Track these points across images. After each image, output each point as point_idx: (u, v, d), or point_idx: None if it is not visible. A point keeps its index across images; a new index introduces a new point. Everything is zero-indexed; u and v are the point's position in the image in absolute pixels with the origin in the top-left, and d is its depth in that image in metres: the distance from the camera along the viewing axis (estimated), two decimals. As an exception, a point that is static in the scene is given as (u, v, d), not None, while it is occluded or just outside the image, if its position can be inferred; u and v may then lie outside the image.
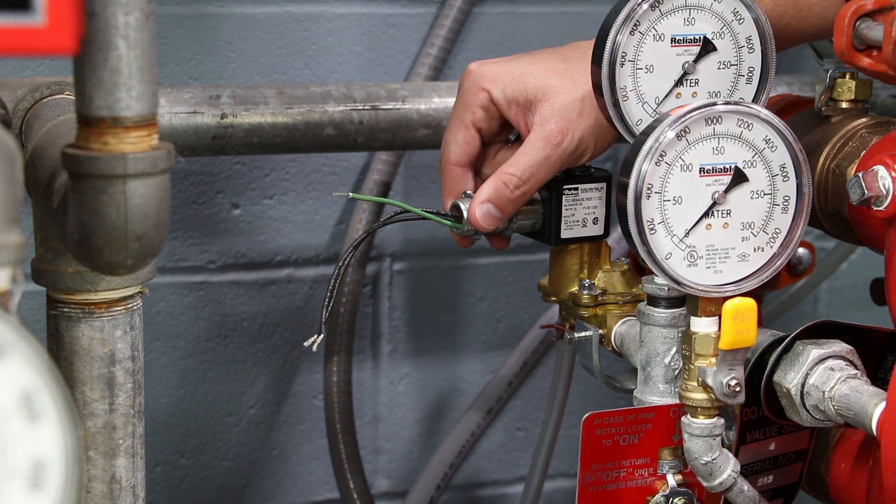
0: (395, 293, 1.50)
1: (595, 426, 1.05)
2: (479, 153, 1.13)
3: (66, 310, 1.01)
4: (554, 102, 1.09)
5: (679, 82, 1.03)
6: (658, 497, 1.08)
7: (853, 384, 0.99)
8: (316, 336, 1.04)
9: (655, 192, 0.97)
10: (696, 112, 0.96)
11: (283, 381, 1.48)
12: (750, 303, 0.96)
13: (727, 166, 0.98)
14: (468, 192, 1.13)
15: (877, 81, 1.07)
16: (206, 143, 1.23)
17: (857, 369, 1.01)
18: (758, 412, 1.08)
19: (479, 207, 1.10)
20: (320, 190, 1.45)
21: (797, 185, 0.99)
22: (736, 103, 0.98)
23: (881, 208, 0.97)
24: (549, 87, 1.10)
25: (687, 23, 1.02)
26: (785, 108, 1.16)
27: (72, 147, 0.85)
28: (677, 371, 1.05)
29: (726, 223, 0.99)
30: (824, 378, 1.00)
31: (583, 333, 1.14)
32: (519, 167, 1.09)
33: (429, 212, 1.11)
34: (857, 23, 1.00)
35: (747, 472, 1.10)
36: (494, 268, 1.54)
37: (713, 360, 1.00)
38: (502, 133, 1.14)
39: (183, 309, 1.42)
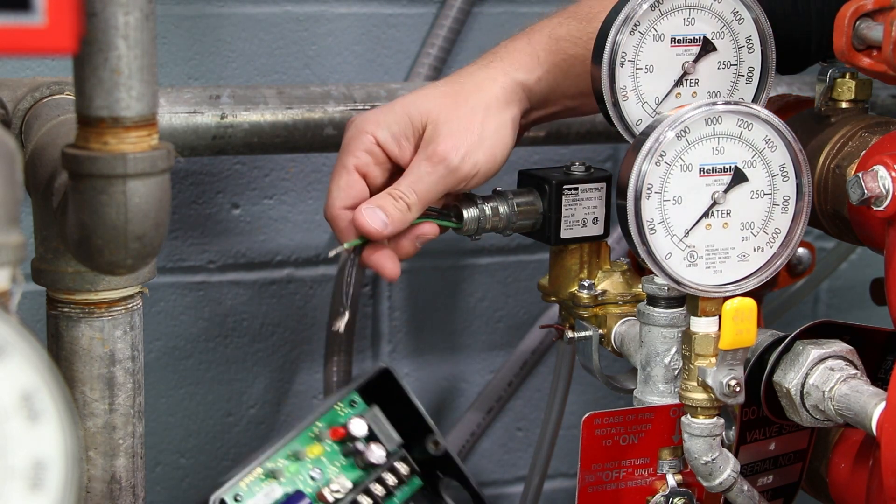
0: (395, 293, 1.50)
1: (595, 426, 1.05)
2: (364, 197, 1.09)
3: (66, 310, 1.01)
4: (437, 124, 1.08)
5: (679, 82, 1.03)
6: (658, 497, 1.08)
7: (853, 384, 0.99)
8: (340, 317, 1.02)
9: (655, 192, 0.97)
10: (696, 112, 0.96)
11: (283, 381, 1.48)
12: (750, 303, 0.96)
13: (727, 166, 0.98)
14: (468, 192, 1.13)
15: (877, 81, 1.07)
16: (206, 143, 1.23)
17: (857, 369, 1.01)
18: (758, 412, 1.08)
19: (366, 209, 1.06)
20: (320, 190, 1.45)
21: (797, 185, 0.99)
22: (736, 103, 0.98)
23: (881, 208, 0.97)
24: (430, 111, 1.08)
25: (687, 23, 1.02)
26: (785, 108, 1.16)
27: (72, 147, 0.85)
28: (677, 371, 1.05)
29: (726, 223, 0.99)
30: (824, 378, 1.00)
31: (583, 333, 1.14)
32: (403, 183, 1.07)
33: (429, 212, 1.11)
34: (857, 23, 1.00)
35: (747, 472, 1.10)
36: (494, 268, 1.54)
37: (713, 360, 1.00)
38: (391, 180, 1.10)
39: (183, 309, 1.42)
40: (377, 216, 1.06)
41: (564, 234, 1.14)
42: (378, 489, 0.98)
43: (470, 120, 1.08)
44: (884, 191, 0.97)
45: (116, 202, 0.84)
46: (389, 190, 1.07)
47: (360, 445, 0.99)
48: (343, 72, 1.43)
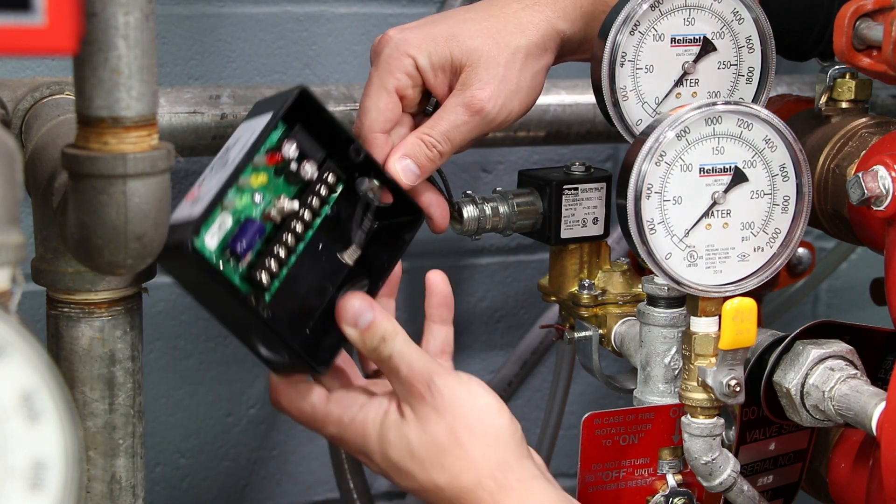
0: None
1: (595, 426, 1.05)
2: (402, 121, 1.08)
3: (66, 310, 1.01)
4: (477, 68, 1.06)
5: (679, 82, 1.03)
6: (658, 497, 1.08)
7: (853, 384, 0.99)
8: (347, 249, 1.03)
9: (655, 192, 0.97)
10: (696, 112, 0.97)
11: (283, 381, 1.48)
12: (750, 303, 0.96)
13: (727, 166, 0.98)
14: (468, 192, 1.13)
15: (877, 81, 1.07)
16: (206, 143, 1.23)
17: (857, 369, 1.01)
18: (758, 412, 1.08)
19: (400, 161, 1.05)
20: (320, 190, 1.45)
21: (797, 185, 1.00)
22: (736, 103, 0.98)
23: (881, 208, 0.97)
24: (472, 51, 1.06)
25: (687, 23, 1.02)
26: (785, 108, 1.16)
27: (72, 147, 0.85)
28: (677, 371, 1.05)
29: (726, 223, 0.99)
30: (824, 378, 1.00)
31: (583, 333, 1.14)
32: (436, 129, 1.06)
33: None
34: (857, 23, 1.00)
35: (747, 472, 1.10)
36: (494, 268, 1.54)
37: (713, 360, 1.00)
38: (421, 104, 1.10)
39: (183, 309, 1.42)
40: (409, 169, 1.05)
41: (564, 234, 1.13)
42: (315, 201, 1.02)
43: (509, 67, 1.06)
44: (884, 191, 0.97)
45: (116, 202, 0.84)
46: (421, 135, 1.06)
47: (293, 166, 1.02)
48: (343, 72, 1.43)
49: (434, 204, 1.08)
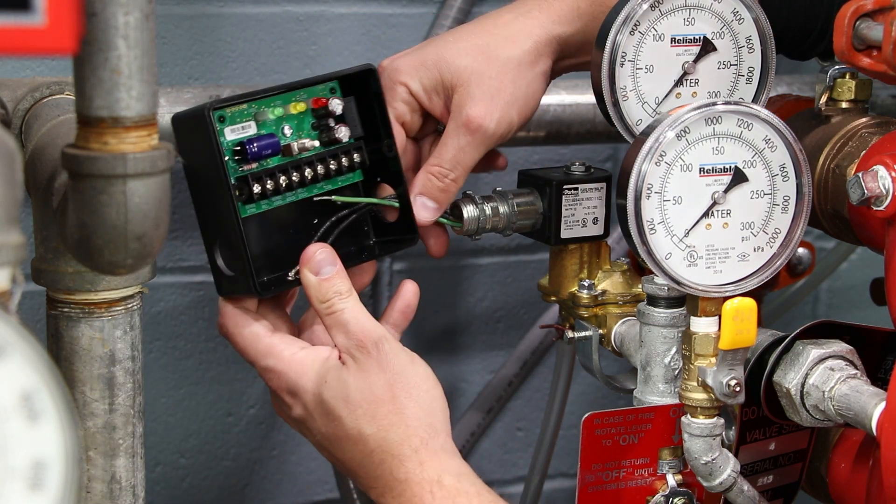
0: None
1: (595, 426, 1.05)
2: (406, 148, 1.12)
3: (66, 310, 1.01)
4: (468, 86, 1.07)
5: (679, 82, 1.03)
6: (658, 497, 1.08)
7: (853, 384, 0.99)
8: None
9: (655, 192, 0.97)
10: (696, 112, 0.97)
11: (283, 381, 1.48)
12: (750, 303, 0.96)
13: (727, 166, 0.98)
14: (468, 192, 1.13)
15: (877, 81, 1.07)
16: (206, 143, 1.23)
17: (857, 369, 1.01)
18: (758, 412, 1.08)
19: (420, 202, 1.09)
20: (320, 190, 1.45)
21: (797, 185, 1.00)
22: (736, 103, 0.98)
23: (881, 208, 0.97)
24: (462, 70, 1.08)
25: (687, 23, 1.02)
26: (785, 108, 1.16)
27: (72, 147, 0.85)
28: (677, 371, 1.05)
29: (726, 223, 0.99)
30: (824, 378, 1.00)
31: (583, 333, 1.14)
32: (442, 158, 1.08)
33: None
34: (857, 23, 1.00)
35: (747, 472, 1.10)
36: (494, 268, 1.54)
37: (713, 360, 1.00)
38: (428, 125, 1.13)
39: (183, 309, 1.42)
40: (425, 206, 1.09)
41: (564, 234, 1.13)
42: (331, 164, 1.07)
43: (502, 80, 1.08)
44: (884, 191, 0.97)
45: (116, 202, 0.84)
46: (429, 168, 1.09)
47: (331, 122, 1.07)
48: (343, 72, 1.43)
49: (432, 234, 1.12)
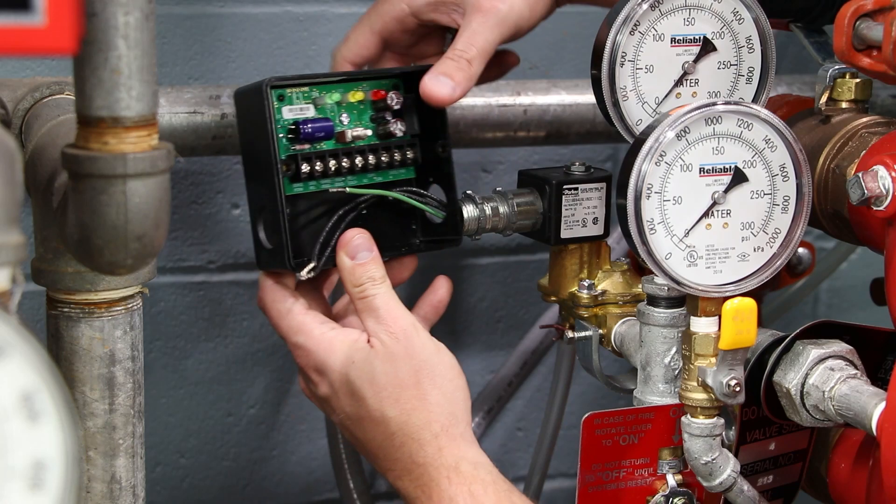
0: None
1: (595, 426, 1.05)
2: (375, 60, 1.15)
3: (66, 310, 1.01)
4: None
5: (679, 82, 1.03)
6: (658, 497, 1.08)
7: (853, 384, 0.99)
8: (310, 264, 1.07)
9: (655, 192, 0.97)
10: (696, 112, 0.97)
11: (283, 381, 1.48)
12: (750, 303, 0.96)
13: (727, 166, 0.98)
14: (468, 192, 1.13)
15: (877, 81, 1.07)
16: (206, 143, 1.23)
17: (857, 369, 1.01)
18: (758, 412, 1.08)
19: (432, 78, 1.08)
20: (320, 190, 1.45)
21: (797, 185, 1.00)
22: (736, 103, 0.98)
23: (881, 208, 0.97)
24: None
25: (687, 23, 1.02)
26: (785, 108, 1.16)
27: (72, 147, 0.85)
28: (677, 371, 1.05)
29: (726, 223, 0.99)
30: (824, 378, 1.00)
31: (583, 333, 1.14)
32: (460, 42, 1.09)
33: (420, 201, 1.11)
34: (857, 23, 1.00)
35: (747, 472, 1.10)
36: (494, 268, 1.54)
37: (713, 360, 1.00)
38: (417, 46, 1.16)
39: (183, 309, 1.42)
40: (442, 82, 1.09)
41: (564, 234, 1.14)
42: (383, 156, 1.10)
43: None
44: (884, 191, 0.97)
45: (116, 202, 0.84)
46: (447, 53, 1.10)
47: (388, 115, 1.10)
48: (343, 72, 1.43)
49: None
